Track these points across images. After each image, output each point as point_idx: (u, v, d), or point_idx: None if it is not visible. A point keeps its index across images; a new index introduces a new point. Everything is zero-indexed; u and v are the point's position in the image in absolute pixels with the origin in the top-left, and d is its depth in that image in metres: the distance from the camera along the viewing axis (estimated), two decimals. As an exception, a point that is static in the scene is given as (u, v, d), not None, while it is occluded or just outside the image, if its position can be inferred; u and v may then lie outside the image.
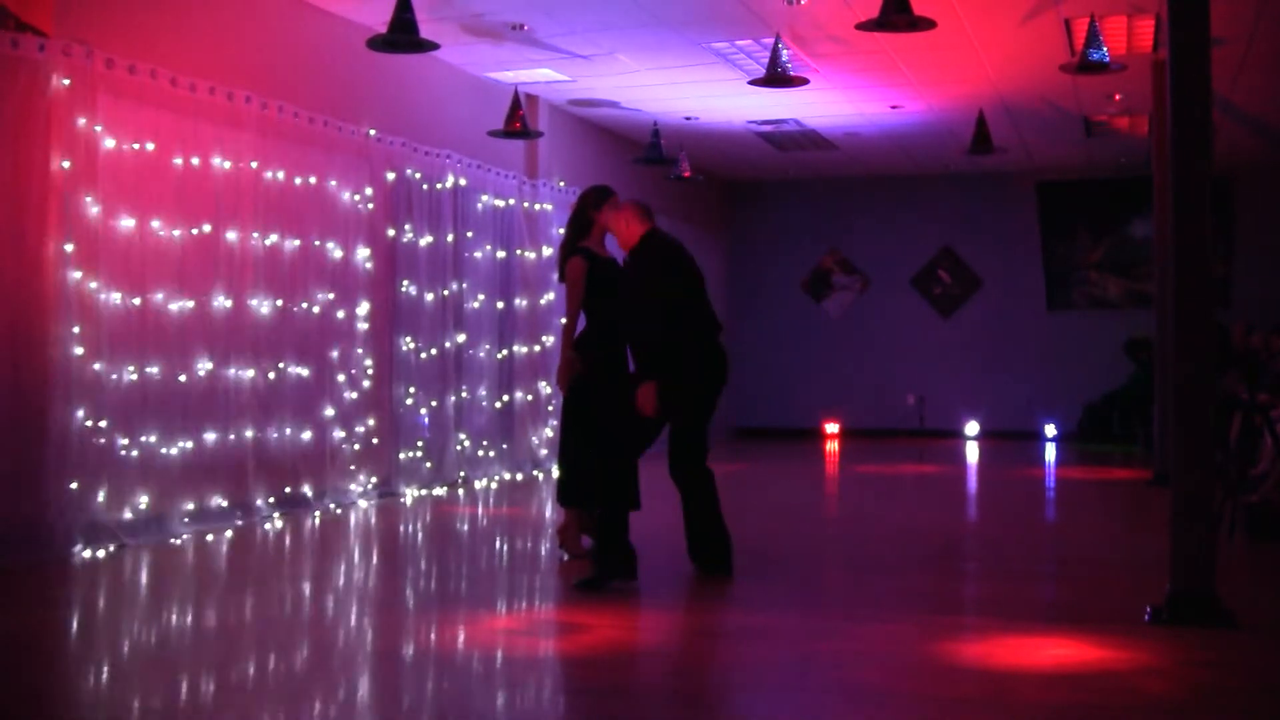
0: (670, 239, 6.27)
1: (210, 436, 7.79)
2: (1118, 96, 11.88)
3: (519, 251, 11.59)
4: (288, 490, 8.43)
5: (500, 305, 11.27)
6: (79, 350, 6.78)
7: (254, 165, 8.12)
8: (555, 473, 6.93)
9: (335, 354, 8.93)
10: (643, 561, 6.43)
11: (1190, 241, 5.20)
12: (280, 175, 8.39)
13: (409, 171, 9.92)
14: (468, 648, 4.89)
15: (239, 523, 7.83)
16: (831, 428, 17.05)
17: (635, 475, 6.76)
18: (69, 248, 6.73)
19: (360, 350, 9.22)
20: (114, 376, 7.08)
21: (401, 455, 9.74)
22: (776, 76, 9.00)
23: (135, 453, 7.23)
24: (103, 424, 6.94)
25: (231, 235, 7.96)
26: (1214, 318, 5.25)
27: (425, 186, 10.14)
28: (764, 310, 17.54)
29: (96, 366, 6.91)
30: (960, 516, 9.36)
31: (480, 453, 10.84)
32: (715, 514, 6.26)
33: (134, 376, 7.23)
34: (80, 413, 6.77)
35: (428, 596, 6.07)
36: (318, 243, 8.75)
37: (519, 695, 4.26)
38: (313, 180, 8.71)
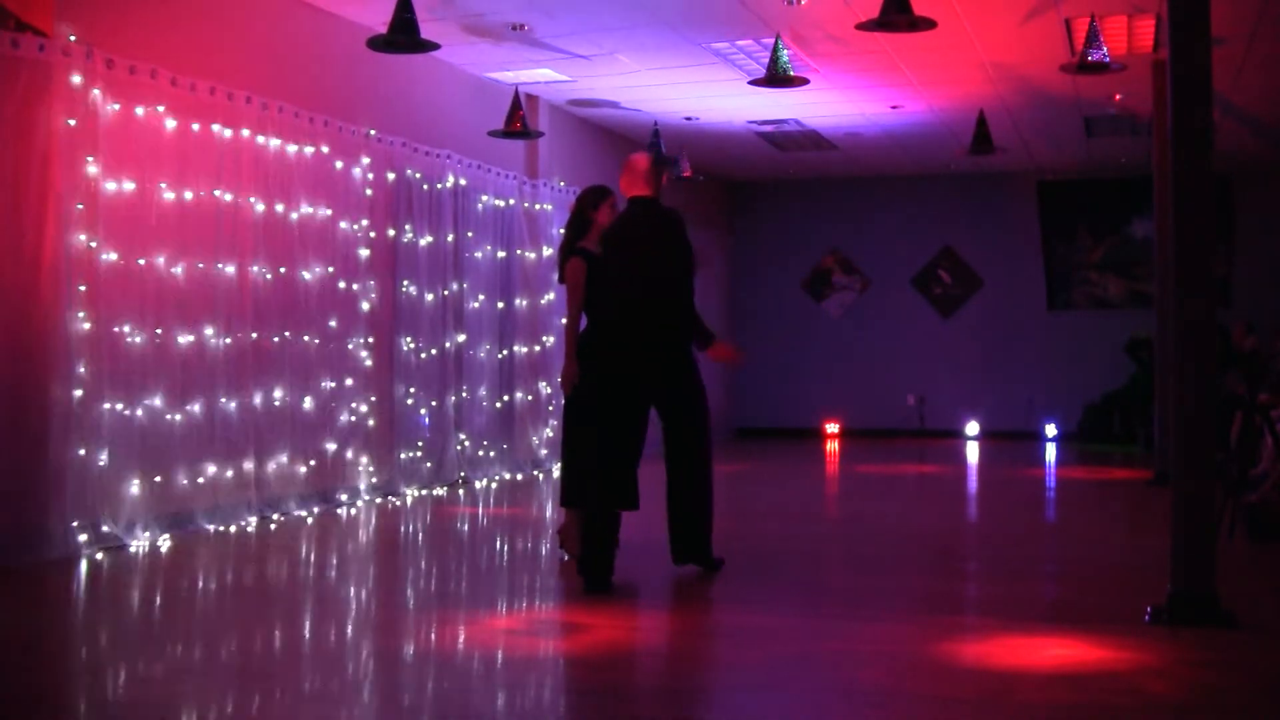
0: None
1: (211, 436, 7.78)
2: (1118, 96, 11.88)
3: (519, 251, 11.59)
4: (288, 490, 8.42)
5: (500, 305, 11.27)
6: (79, 359, 6.77)
7: (252, 167, 8.13)
8: (556, 473, 6.93)
9: (335, 354, 8.93)
10: (643, 562, 6.43)
11: (1191, 241, 5.20)
12: (280, 170, 8.39)
13: (409, 171, 9.92)
14: (468, 648, 4.89)
15: (239, 523, 7.83)
16: (832, 428, 17.05)
17: (633, 476, 6.75)
18: (68, 249, 6.72)
19: (361, 350, 9.22)
20: (116, 406, 7.07)
21: (401, 455, 9.74)
22: (776, 76, 9.00)
23: (136, 453, 7.22)
24: (103, 421, 6.94)
25: (230, 216, 7.95)
26: (1214, 318, 5.25)
27: (425, 186, 10.14)
28: (764, 310, 17.54)
29: (97, 383, 6.90)
30: (960, 516, 9.36)
31: (480, 453, 10.84)
32: (696, 504, 6.11)
33: (141, 401, 7.24)
34: (81, 403, 6.77)
35: (428, 596, 6.07)
36: (317, 242, 8.75)
37: (519, 695, 4.26)
38: (312, 178, 8.71)
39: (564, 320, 6.90)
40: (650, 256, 6.06)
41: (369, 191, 9.36)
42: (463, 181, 10.67)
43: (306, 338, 8.63)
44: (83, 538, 6.69)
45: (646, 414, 6.06)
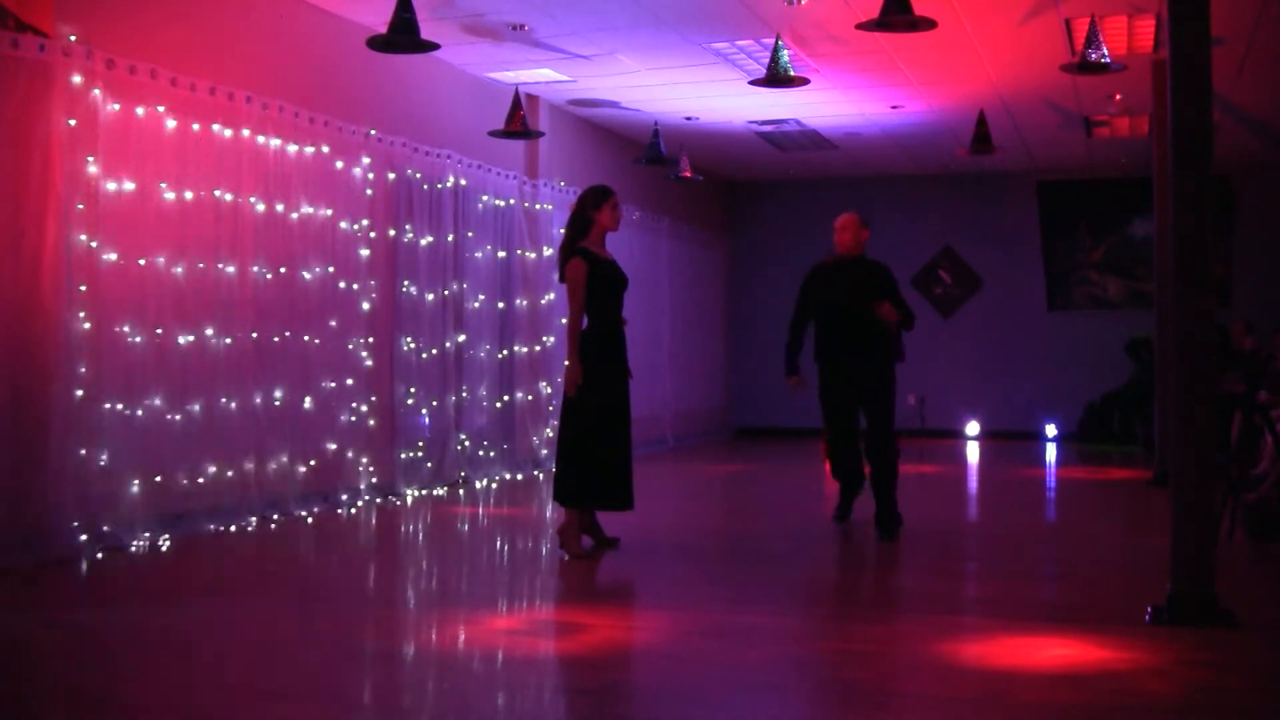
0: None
1: (211, 436, 7.78)
2: (1118, 96, 11.88)
3: (519, 251, 11.59)
4: (288, 490, 8.42)
5: (500, 305, 11.27)
6: (79, 359, 6.77)
7: (252, 167, 8.13)
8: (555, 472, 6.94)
9: (335, 354, 8.93)
10: (643, 562, 6.44)
11: (1190, 241, 5.20)
12: (279, 170, 8.39)
13: (409, 171, 9.92)
14: (468, 648, 4.89)
15: (240, 523, 7.83)
16: (832, 428, 17.01)
17: (628, 475, 6.78)
18: (69, 248, 6.72)
19: (361, 350, 9.22)
20: (117, 406, 7.06)
21: (402, 455, 9.74)
22: (777, 77, 9.00)
23: (136, 453, 7.21)
24: (103, 421, 6.94)
25: (230, 217, 7.94)
26: (1214, 318, 5.25)
27: (425, 186, 10.15)
28: (764, 310, 17.52)
29: (97, 382, 6.90)
30: (960, 516, 9.36)
31: (480, 453, 10.84)
32: (882, 490, 7.59)
33: (140, 401, 7.24)
34: (81, 403, 6.77)
35: (428, 596, 6.07)
36: (317, 242, 8.75)
37: (519, 695, 4.26)
38: (312, 178, 8.72)
39: (565, 320, 6.90)
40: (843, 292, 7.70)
41: (369, 191, 9.36)
42: (463, 181, 10.67)
43: (306, 338, 8.63)
44: (83, 538, 6.69)
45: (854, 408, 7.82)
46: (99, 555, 6.70)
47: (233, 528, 7.72)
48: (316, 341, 8.73)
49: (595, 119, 13.32)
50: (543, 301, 11.75)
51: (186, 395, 7.61)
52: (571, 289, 6.77)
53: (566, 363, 6.76)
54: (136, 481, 7.20)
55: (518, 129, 10.43)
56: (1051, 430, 16.22)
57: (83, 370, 6.80)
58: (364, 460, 9.22)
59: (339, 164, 9.02)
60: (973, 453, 14.81)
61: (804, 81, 9.45)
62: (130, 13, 7.51)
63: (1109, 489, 11.01)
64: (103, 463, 6.93)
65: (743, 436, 17.16)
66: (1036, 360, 16.57)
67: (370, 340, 9.32)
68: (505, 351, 11.35)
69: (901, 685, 4.32)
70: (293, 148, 8.52)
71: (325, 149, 8.84)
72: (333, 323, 8.89)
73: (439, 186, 10.31)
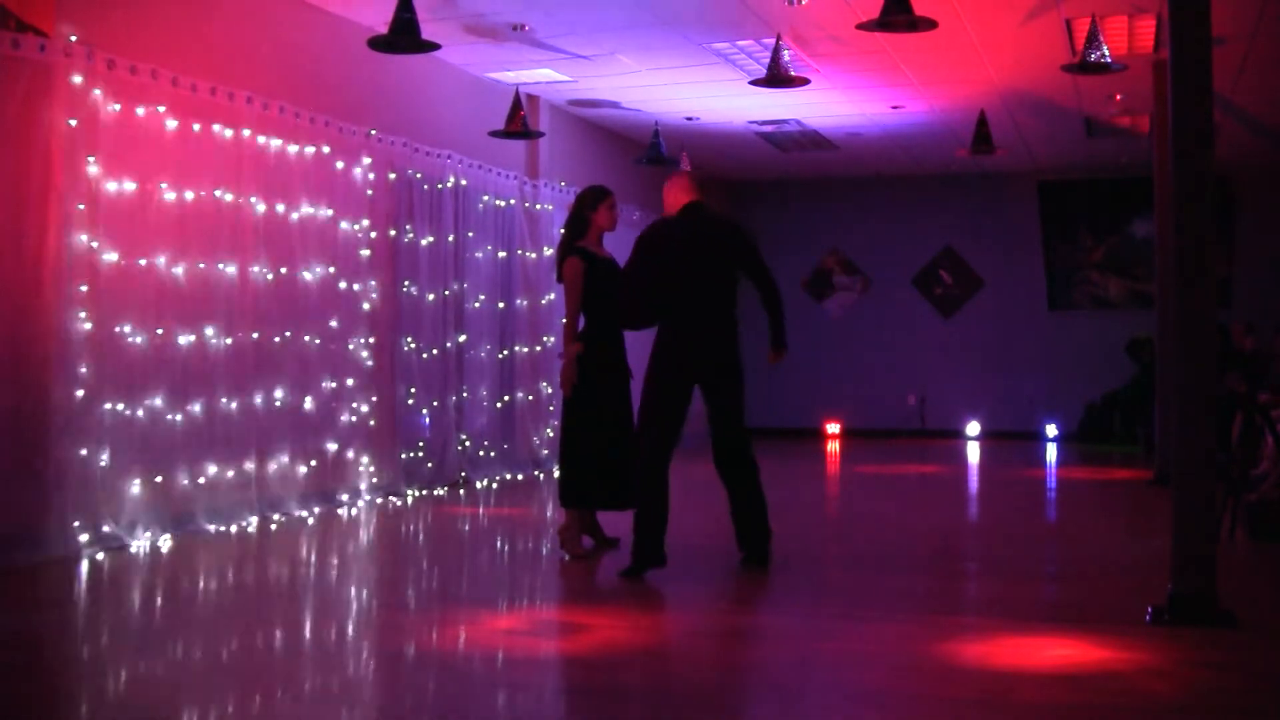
0: (682, 220, 6.35)
1: (211, 436, 7.78)
2: (1119, 96, 11.88)
3: (520, 252, 11.59)
4: (289, 490, 8.42)
5: (501, 305, 11.27)
6: (80, 359, 6.77)
7: (253, 167, 8.13)
8: (557, 473, 6.95)
9: (336, 354, 8.93)
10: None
11: (1191, 241, 5.20)
12: (280, 171, 8.40)
13: (410, 172, 9.93)
14: (468, 648, 4.89)
15: (240, 523, 7.83)
16: (832, 428, 17.05)
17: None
18: (69, 249, 6.72)
19: (361, 350, 9.22)
20: (117, 406, 7.06)
21: (402, 455, 9.74)
22: (777, 77, 9.01)
23: (136, 453, 7.22)
24: (103, 421, 6.94)
25: (231, 217, 7.94)
26: (1214, 318, 5.25)
27: (426, 187, 10.15)
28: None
29: (98, 383, 6.89)
30: (961, 516, 9.36)
31: (481, 453, 10.84)
32: (754, 506, 6.38)
33: (140, 398, 7.24)
34: (81, 403, 6.77)
35: (429, 596, 6.07)
36: (318, 242, 8.75)
37: (519, 695, 4.26)
38: (313, 179, 8.72)
39: (564, 320, 6.91)
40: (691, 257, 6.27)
41: (370, 192, 9.36)
42: (463, 181, 10.67)
43: (307, 338, 8.63)
44: (83, 538, 6.69)
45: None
46: (99, 555, 6.70)
47: (233, 528, 7.72)
48: (317, 341, 8.73)
49: (596, 119, 13.32)
50: (543, 302, 11.75)
51: (187, 395, 7.61)
52: (568, 288, 6.78)
53: (561, 360, 6.79)
54: (136, 481, 7.20)
55: (518, 129, 10.43)
56: (1052, 430, 16.22)
57: (83, 370, 6.80)
58: (364, 460, 9.22)
59: (339, 164, 9.02)
60: (973, 453, 14.80)
61: (804, 82, 9.45)
62: (131, 13, 7.51)
63: (1109, 489, 11.01)
64: (103, 463, 6.92)
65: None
66: (1037, 360, 16.57)
67: (371, 340, 9.32)
68: (506, 352, 11.35)
69: (902, 685, 4.32)
70: (293, 148, 8.52)
71: (325, 149, 8.85)
72: (333, 323, 8.89)
73: (439, 186, 10.32)
